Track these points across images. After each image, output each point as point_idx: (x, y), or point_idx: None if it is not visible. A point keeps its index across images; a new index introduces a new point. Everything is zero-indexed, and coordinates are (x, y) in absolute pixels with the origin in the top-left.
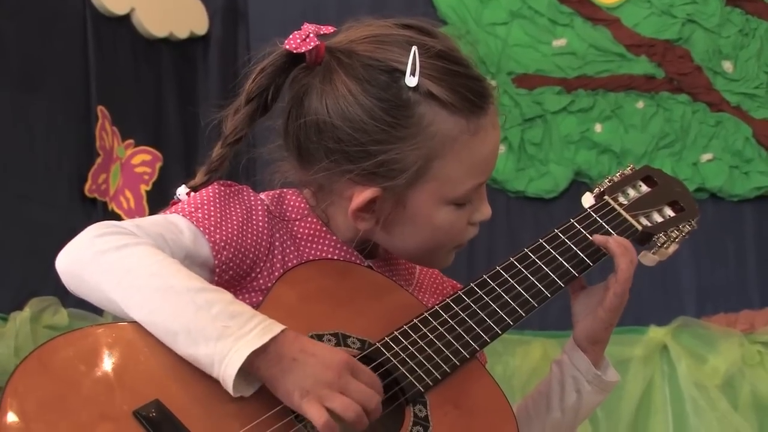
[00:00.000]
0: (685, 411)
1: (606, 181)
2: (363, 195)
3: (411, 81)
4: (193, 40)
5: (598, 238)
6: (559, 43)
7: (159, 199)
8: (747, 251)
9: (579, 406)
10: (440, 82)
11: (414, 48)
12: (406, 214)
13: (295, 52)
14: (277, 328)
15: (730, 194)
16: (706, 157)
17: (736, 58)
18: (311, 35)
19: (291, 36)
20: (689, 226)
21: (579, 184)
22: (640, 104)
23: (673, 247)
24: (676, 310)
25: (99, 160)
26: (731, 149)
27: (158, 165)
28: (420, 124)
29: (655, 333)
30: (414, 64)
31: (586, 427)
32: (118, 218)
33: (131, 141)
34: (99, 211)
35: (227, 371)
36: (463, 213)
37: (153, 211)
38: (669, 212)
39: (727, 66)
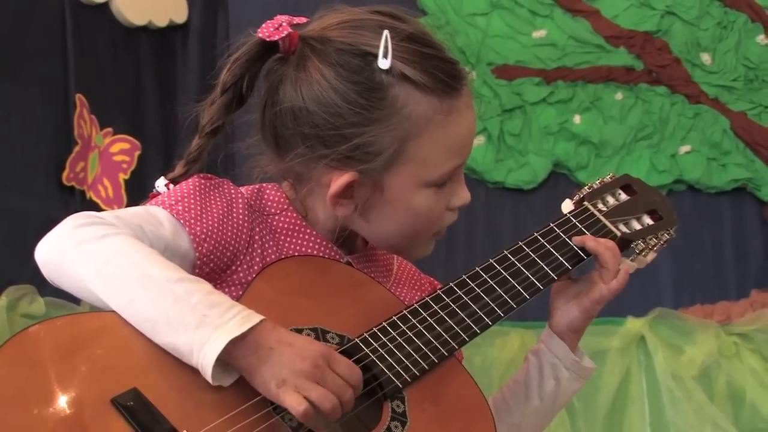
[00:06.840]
0: (661, 402)
1: (586, 188)
2: (340, 179)
3: (384, 63)
4: (172, 28)
5: (577, 239)
6: (539, 34)
7: (137, 188)
8: (724, 243)
9: (557, 393)
10: (413, 64)
11: (386, 31)
12: (384, 199)
13: (268, 40)
14: (255, 318)
15: (708, 186)
16: (684, 149)
17: (715, 50)
18: (284, 24)
19: (264, 25)
20: (667, 234)
21: (558, 175)
22: (619, 96)
23: (651, 255)
24: (653, 301)
25: (77, 149)
26: (709, 141)
27: (137, 153)
28: (394, 105)
29: (632, 324)
30: (386, 46)
31: (563, 417)
32: (96, 207)
33: (109, 129)
34: (77, 199)
35: (206, 359)
36: (441, 197)
37: (131, 199)
38: (647, 220)
39: (706, 58)
